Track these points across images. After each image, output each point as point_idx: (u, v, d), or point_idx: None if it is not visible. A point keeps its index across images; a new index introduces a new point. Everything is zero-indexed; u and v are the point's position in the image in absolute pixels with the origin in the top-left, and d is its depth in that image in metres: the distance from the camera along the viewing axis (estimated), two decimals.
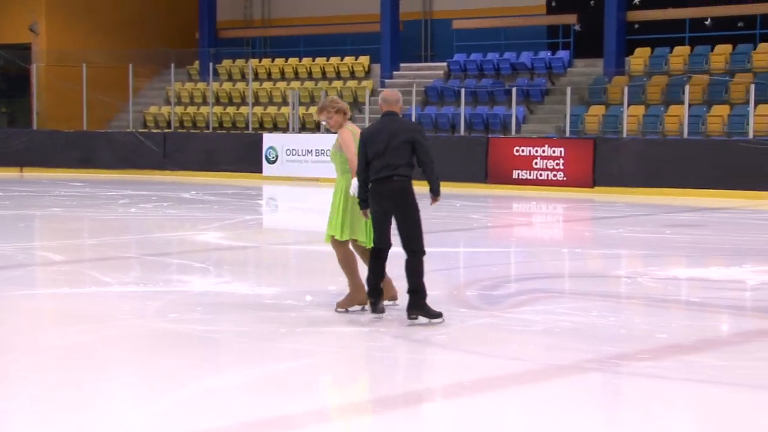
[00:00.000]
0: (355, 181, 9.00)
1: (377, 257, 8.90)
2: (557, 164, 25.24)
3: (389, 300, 9.38)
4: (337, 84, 33.41)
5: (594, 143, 25.05)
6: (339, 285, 11.08)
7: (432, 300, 9.91)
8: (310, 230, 17.89)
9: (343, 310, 9.33)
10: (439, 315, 8.77)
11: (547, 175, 25.43)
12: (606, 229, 17.68)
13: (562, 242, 15.68)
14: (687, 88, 25.56)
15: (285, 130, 31.90)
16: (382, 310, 9.01)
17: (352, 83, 33.28)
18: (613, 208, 21.59)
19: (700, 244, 15.39)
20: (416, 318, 8.76)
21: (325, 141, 28.94)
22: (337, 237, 9.21)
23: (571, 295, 10.77)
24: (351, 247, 9.38)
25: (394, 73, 33.18)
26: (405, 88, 31.90)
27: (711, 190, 23.57)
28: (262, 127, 32.85)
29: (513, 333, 8.62)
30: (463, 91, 28.31)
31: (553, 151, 25.14)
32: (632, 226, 17.75)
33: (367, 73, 33.92)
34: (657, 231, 16.86)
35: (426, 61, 35.11)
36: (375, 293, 8.96)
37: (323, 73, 34.42)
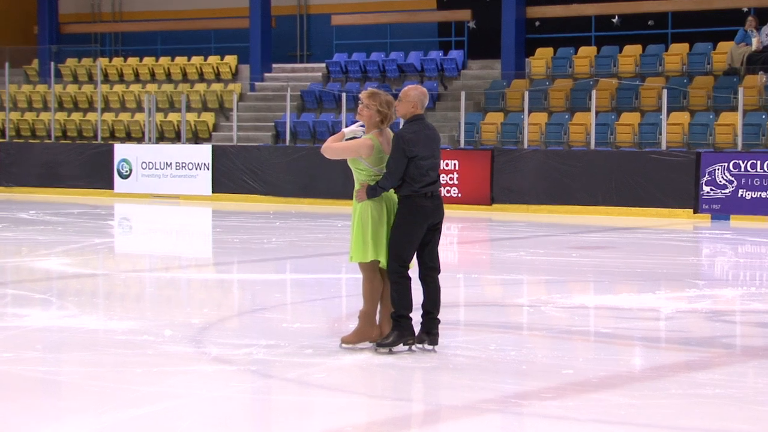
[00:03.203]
0: (353, 128, 9.25)
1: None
2: (451, 179, 25.47)
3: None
4: (200, 87, 33.22)
5: (491, 155, 25.34)
6: (204, 317, 10.99)
7: (309, 334, 9.89)
8: (169, 255, 17.71)
9: (350, 346, 9.17)
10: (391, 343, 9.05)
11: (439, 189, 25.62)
12: (505, 251, 17.88)
13: (457, 267, 15.80)
14: (594, 93, 26.04)
15: (140, 139, 31.57)
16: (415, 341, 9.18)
17: (217, 86, 33.11)
18: (513, 227, 21.85)
19: (609, 268, 15.67)
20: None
21: (187, 152, 28.73)
22: (360, 259, 9.07)
23: (467, 327, 10.85)
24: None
25: (266, 75, 33.13)
26: (278, 92, 31.90)
27: (621, 208, 24.02)
28: (113, 136, 32.45)
29: (401, 370, 8.64)
30: (344, 95, 28.41)
31: (446, 164, 25.37)
32: (534, 248, 17.98)
33: (235, 75, 33.79)
34: (562, 254, 17.11)
35: (302, 62, 35.15)
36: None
37: (184, 74, 34.18)
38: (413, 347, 9.12)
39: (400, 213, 9.07)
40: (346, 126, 26.52)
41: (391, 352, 9.00)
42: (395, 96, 9.26)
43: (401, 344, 9.05)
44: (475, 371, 8.60)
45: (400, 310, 9.00)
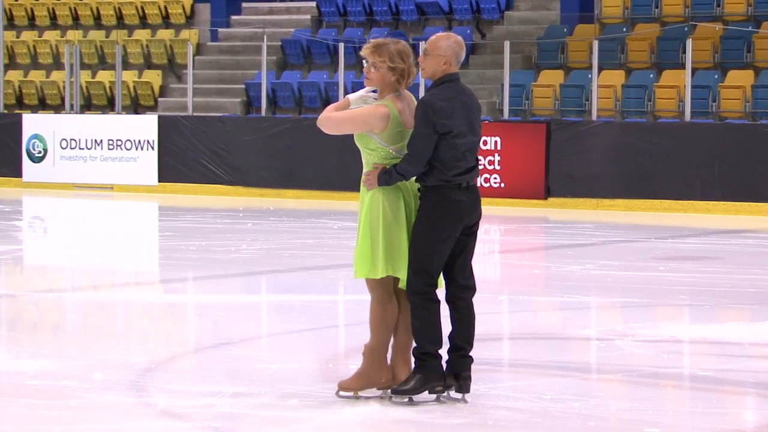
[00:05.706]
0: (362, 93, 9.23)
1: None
2: (490, 163, 25.47)
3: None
4: (142, 34, 33.18)
5: (547, 130, 25.31)
6: (147, 355, 11.02)
7: (293, 378, 9.92)
8: (99, 269, 17.73)
9: (351, 394, 9.13)
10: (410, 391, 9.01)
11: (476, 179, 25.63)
12: (566, 263, 17.88)
13: (499, 285, 15.80)
14: (689, 43, 25.98)
15: (58, 108, 31.58)
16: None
17: (165, 33, 33.07)
18: (577, 230, 21.85)
19: (711, 286, 15.66)
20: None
21: (124, 126, 28.70)
22: (368, 275, 9.03)
23: (513, 368, 10.87)
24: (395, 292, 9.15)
25: (233, 18, 33.11)
26: (249, 42, 31.87)
27: (726, 203, 23.97)
28: (20, 103, 32.47)
29: (421, 428, 8.66)
30: (341, 47, 28.38)
31: (484, 142, 25.38)
32: (606, 258, 17.98)
33: (190, 18, 33.76)
34: (644, 267, 17.11)
35: (282, 0, 35.14)
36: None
37: (119, 17, 34.14)
38: (443, 396, 9.08)
39: (425, 210, 9.00)
40: (346, 91, 26.56)
41: (411, 402, 8.97)
42: (415, 49, 9.20)
43: (426, 391, 9.03)
44: (523, 429, 8.62)
45: (426, 345, 8.96)
